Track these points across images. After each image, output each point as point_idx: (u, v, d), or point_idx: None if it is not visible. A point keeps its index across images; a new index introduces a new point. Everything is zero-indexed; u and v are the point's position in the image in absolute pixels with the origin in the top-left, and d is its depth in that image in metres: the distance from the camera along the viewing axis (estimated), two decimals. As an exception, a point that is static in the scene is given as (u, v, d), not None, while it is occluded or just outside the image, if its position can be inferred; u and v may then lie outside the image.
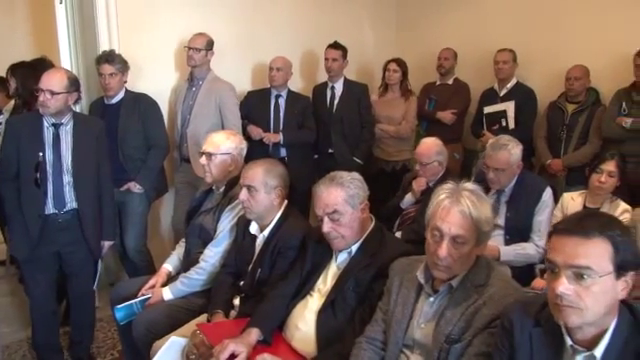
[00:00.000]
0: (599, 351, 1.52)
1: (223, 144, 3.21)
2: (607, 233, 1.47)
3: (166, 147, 4.23)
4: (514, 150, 3.41)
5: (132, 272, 4.21)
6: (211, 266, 3.04)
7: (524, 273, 3.32)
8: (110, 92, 4.00)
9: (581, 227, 1.49)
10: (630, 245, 1.49)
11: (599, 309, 1.49)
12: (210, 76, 4.49)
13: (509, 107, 4.96)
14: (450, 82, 5.44)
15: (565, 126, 4.74)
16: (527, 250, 3.37)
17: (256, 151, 4.45)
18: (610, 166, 3.32)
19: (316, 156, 5.06)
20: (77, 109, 3.66)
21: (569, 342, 1.57)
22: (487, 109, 5.10)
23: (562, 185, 4.52)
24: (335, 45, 4.99)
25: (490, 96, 5.18)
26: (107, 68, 3.94)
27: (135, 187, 4.04)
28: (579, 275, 1.47)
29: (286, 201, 2.86)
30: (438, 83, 5.50)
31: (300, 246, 2.66)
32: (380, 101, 5.29)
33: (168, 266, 3.31)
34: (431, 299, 2.02)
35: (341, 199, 2.34)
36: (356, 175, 2.46)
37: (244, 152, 3.32)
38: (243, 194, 2.76)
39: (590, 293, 1.47)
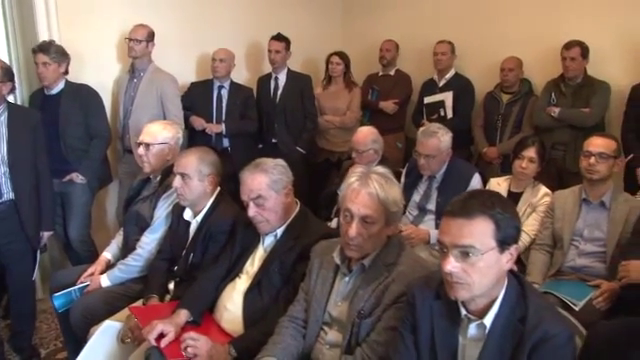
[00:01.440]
0: (488, 319, 1.66)
1: (160, 134, 3.28)
2: (488, 212, 1.59)
3: (108, 137, 4.23)
4: (443, 137, 3.54)
5: (76, 262, 4.22)
6: (148, 252, 3.10)
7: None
8: (44, 82, 3.98)
9: (464, 209, 1.61)
10: (510, 220, 1.62)
11: (486, 282, 1.62)
12: (151, 67, 4.53)
13: (447, 97, 5.12)
14: (392, 73, 5.58)
15: (500, 115, 4.92)
16: (456, 233, 3.51)
17: (199, 142, 4.56)
18: (531, 152, 3.47)
19: (260, 146, 5.15)
20: (13, 99, 3.67)
21: (463, 312, 1.71)
22: (427, 99, 5.25)
23: (497, 172, 4.67)
24: (278, 37, 5.08)
25: (430, 86, 5.33)
26: (41, 57, 3.91)
27: (78, 178, 4.05)
28: (465, 253, 1.59)
29: (219, 188, 2.94)
30: (380, 74, 5.63)
31: (230, 231, 2.75)
32: (324, 93, 5.41)
33: (107, 254, 3.35)
34: (346, 278, 2.14)
35: (265, 184, 2.44)
36: (280, 161, 2.55)
37: (181, 141, 3.39)
38: (177, 181, 2.84)
39: (476, 269, 1.59)
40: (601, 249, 3.08)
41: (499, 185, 3.62)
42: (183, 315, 2.44)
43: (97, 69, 4.56)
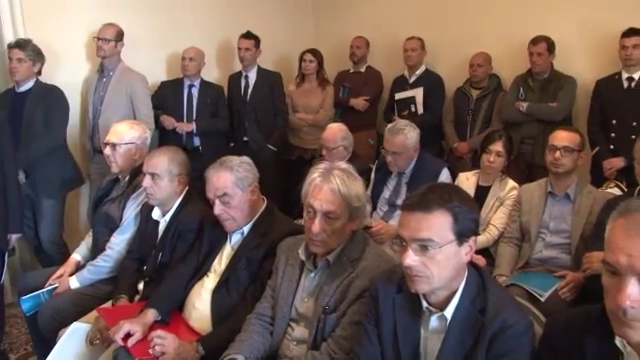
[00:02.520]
0: (449, 311, 1.68)
1: (127, 134, 3.27)
2: (446, 205, 1.61)
3: (54, 140, 4.09)
4: (410, 134, 3.56)
5: (47, 265, 4.15)
6: (117, 253, 3.08)
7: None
8: (15, 76, 3.95)
9: (422, 202, 1.62)
10: (468, 213, 1.64)
11: (445, 275, 1.63)
12: (121, 67, 4.50)
13: (418, 93, 5.16)
14: (363, 70, 5.60)
15: (470, 110, 4.99)
16: (427, 228, 3.55)
17: (170, 141, 4.55)
18: (498, 146, 3.51)
19: (232, 144, 5.14)
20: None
21: (425, 305, 1.72)
22: (398, 95, 5.28)
23: (469, 167, 4.72)
24: (247, 35, 5.08)
25: (400, 83, 5.37)
26: (16, 53, 3.89)
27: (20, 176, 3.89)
28: (423, 247, 1.60)
29: (187, 187, 2.94)
30: (351, 71, 5.65)
31: (198, 229, 2.75)
32: (298, 91, 5.41)
33: (77, 256, 3.33)
34: (312, 274, 2.15)
35: (230, 182, 2.44)
36: (245, 159, 2.56)
37: (148, 141, 3.38)
38: (147, 181, 2.83)
39: (435, 262, 1.60)
40: (566, 241, 3.14)
41: (468, 179, 3.66)
42: (151, 314, 2.44)
43: (66, 69, 4.51)
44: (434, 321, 1.71)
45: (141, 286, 2.90)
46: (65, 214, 4.35)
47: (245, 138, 5.08)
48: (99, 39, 4.37)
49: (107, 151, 3.25)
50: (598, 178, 4.16)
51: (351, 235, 2.11)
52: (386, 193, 3.70)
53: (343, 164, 2.16)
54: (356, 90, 5.48)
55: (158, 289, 2.58)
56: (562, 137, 3.17)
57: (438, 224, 1.60)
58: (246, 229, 2.54)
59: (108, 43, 4.38)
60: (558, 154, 3.13)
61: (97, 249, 3.22)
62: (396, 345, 1.76)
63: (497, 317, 1.60)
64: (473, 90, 5.01)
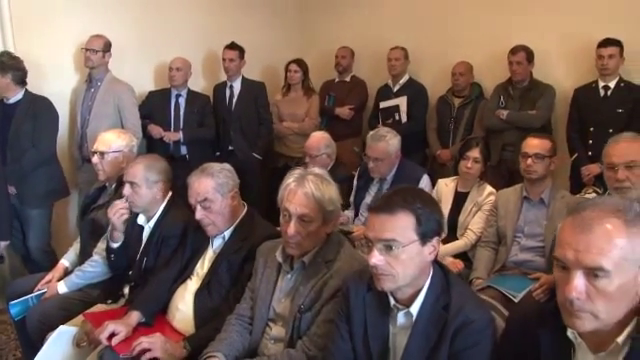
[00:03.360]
0: (415, 308, 1.77)
1: (114, 142, 3.36)
2: (409, 207, 1.71)
3: (45, 152, 4.17)
4: (392, 141, 3.67)
5: (37, 272, 4.24)
6: (104, 258, 3.15)
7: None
8: None
9: (387, 205, 1.73)
10: (431, 215, 1.74)
11: (409, 273, 1.73)
12: (108, 77, 4.59)
13: (402, 102, 5.27)
14: (348, 79, 5.71)
15: (452, 118, 5.11)
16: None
17: (157, 149, 4.66)
18: (475, 153, 3.61)
19: (218, 153, 5.22)
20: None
21: (392, 302, 1.82)
22: (382, 104, 5.39)
23: (451, 173, 4.78)
24: (232, 46, 5.18)
25: (385, 92, 5.49)
26: None
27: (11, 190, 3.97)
28: (388, 247, 1.70)
29: (170, 193, 3.02)
30: (337, 80, 5.77)
31: (182, 234, 2.84)
32: (284, 100, 5.53)
33: (65, 262, 3.40)
34: (288, 276, 2.24)
35: (211, 188, 2.54)
36: (226, 166, 2.66)
37: (135, 149, 3.47)
38: (126, 189, 2.91)
39: (399, 261, 1.70)
40: (541, 244, 3.24)
41: (446, 186, 3.75)
42: (135, 316, 2.52)
43: (54, 79, 4.60)
44: (401, 317, 1.80)
45: (127, 290, 2.98)
46: (54, 222, 4.42)
47: (230, 147, 5.18)
48: (87, 50, 4.46)
49: (95, 159, 3.34)
50: (577, 184, 4.27)
51: (326, 237, 2.20)
52: (368, 199, 3.79)
53: (317, 170, 2.26)
54: (341, 99, 5.59)
55: (142, 292, 2.67)
56: (533, 144, 3.28)
57: (401, 225, 1.69)
58: (227, 233, 2.63)
59: (96, 54, 4.47)
60: (530, 161, 3.24)
61: (85, 255, 3.29)
62: (366, 341, 1.85)
63: (460, 313, 1.70)
64: (455, 98, 5.13)
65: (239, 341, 2.23)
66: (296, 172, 2.23)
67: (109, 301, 2.98)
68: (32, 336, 2.97)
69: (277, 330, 2.22)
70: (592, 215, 1.41)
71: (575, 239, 1.40)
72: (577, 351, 1.50)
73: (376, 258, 1.70)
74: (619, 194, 2.62)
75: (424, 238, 1.71)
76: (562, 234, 1.46)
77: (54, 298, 3.08)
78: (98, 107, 4.50)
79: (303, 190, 2.13)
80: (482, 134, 4.84)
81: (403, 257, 1.69)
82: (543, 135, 3.46)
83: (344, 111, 5.48)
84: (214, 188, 2.54)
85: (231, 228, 2.63)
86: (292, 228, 2.11)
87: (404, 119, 5.24)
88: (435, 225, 1.75)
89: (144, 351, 2.25)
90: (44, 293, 3.14)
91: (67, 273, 3.30)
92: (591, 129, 4.35)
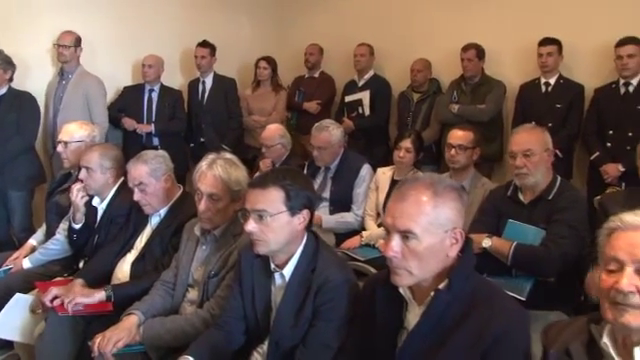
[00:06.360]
0: (287, 271, 2.11)
1: (76, 132, 3.69)
2: (279, 183, 2.03)
3: (29, 140, 4.58)
4: (334, 131, 3.98)
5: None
6: (65, 238, 3.49)
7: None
8: None
9: (262, 181, 2.06)
10: (301, 191, 2.06)
11: (280, 239, 2.05)
12: (79, 70, 4.94)
13: (365, 96, 5.55)
14: (316, 75, 6.03)
15: (411, 113, 5.39)
16: (346, 218, 3.98)
17: (131, 141, 5.05)
18: (407, 143, 3.90)
19: (192, 145, 5.58)
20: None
21: (272, 266, 2.15)
22: (347, 98, 5.69)
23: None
24: (203, 43, 5.52)
25: (351, 86, 5.79)
26: None
27: None
28: (260, 216, 2.02)
29: (122, 178, 3.36)
30: (306, 76, 6.08)
31: (128, 214, 3.19)
32: (253, 95, 5.85)
33: (33, 241, 3.73)
34: (203, 247, 2.59)
35: (145, 172, 2.89)
36: (160, 152, 3.03)
37: (97, 139, 3.79)
38: (82, 174, 3.26)
39: (270, 229, 2.02)
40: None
41: (384, 174, 4.03)
42: (77, 283, 2.86)
43: (32, 75, 4.94)
44: (278, 279, 2.14)
45: (82, 264, 3.32)
46: (35, 205, 4.78)
47: (202, 139, 5.51)
48: (59, 46, 4.82)
49: (59, 148, 3.68)
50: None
51: (234, 214, 2.52)
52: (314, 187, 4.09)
53: (228, 155, 2.60)
54: (310, 94, 5.90)
55: (87, 264, 3.04)
56: (457, 136, 3.58)
57: (271, 198, 2.02)
58: (163, 212, 2.99)
59: (68, 49, 4.82)
60: (454, 151, 3.54)
61: (49, 234, 3.63)
62: (254, 300, 2.19)
63: (322, 274, 2.03)
64: (414, 94, 5.42)
65: (160, 302, 2.56)
66: (209, 156, 2.55)
67: (66, 274, 3.31)
68: (-2, 307, 3.31)
69: (193, 294, 2.56)
70: (409, 187, 1.72)
71: (393, 207, 1.71)
72: (409, 305, 1.80)
73: (251, 225, 2.02)
74: (519, 180, 2.90)
75: (292, 210, 2.03)
76: (387, 204, 1.77)
77: (19, 273, 3.41)
78: (68, 99, 4.85)
79: (212, 172, 2.47)
80: (438, 127, 5.14)
81: (274, 225, 2.01)
82: (467, 127, 3.74)
83: (312, 105, 5.79)
84: (148, 173, 2.89)
85: (166, 207, 2.99)
86: (203, 205, 2.46)
87: (367, 112, 5.53)
88: (305, 200, 2.07)
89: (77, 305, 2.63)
90: (11, 269, 3.48)
91: (34, 251, 3.64)
92: (533, 123, 4.60)
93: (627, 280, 1.44)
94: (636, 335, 1.46)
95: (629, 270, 1.45)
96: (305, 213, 2.08)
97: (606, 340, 1.52)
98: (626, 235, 1.49)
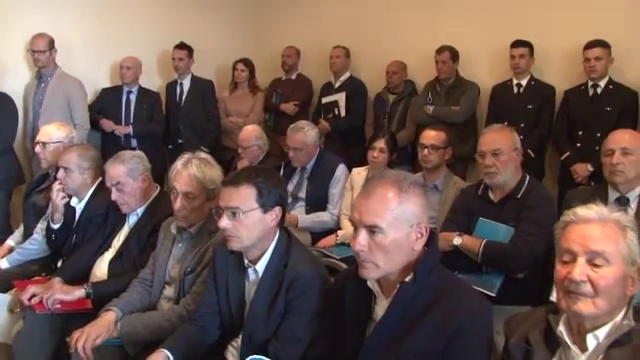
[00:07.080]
0: (260, 266, 2.17)
1: (55, 134, 3.72)
2: (252, 181, 2.09)
3: (6, 142, 4.60)
4: (309, 132, 4.05)
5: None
6: (43, 237, 3.53)
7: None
8: None
9: (234, 179, 2.12)
10: (273, 188, 2.12)
11: (253, 236, 2.11)
12: (58, 72, 4.95)
13: (340, 98, 5.64)
14: (293, 77, 6.09)
15: (387, 114, 5.48)
16: (322, 218, 4.05)
17: (110, 142, 5.10)
18: (380, 143, 3.97)
19: (170, 146, 5.61)
20: None
21: (246, 262, 2.21)
22: (323, 100, 5.78)
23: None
24: (181, 45, 5.57)
25: (327, 88, 5.86)
26: None
27: None
28: (233, 213, 2.08)
29: (100, 178, 3.40)
30: (284, 78, 6.14)
31: (105, 214, 3.22)
32: (231, 97, 5.91)
33: (10, 241, 3.75)
34: (180, 245, 2.64)
35: (122, 172, 2.94)
36: (138, 153, 3.08)
37: (75, 140, 3.82)
38: (60, 174, 3.30)
39: (243, 225, 2.07)
40: (433, 226, 3.55)
41: (359, 174, 4.10)
42: (56, 281, 2.89)
43: (8, 77, 4.97)
44: (251, 274, 2.20)
45: (60, 264, 3.35)
46: (13, 205, 4.79)
47: (180, 141, 5.55)
48: (34, 52, 4.81)
49: (38, 149, 3.70)
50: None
51: (209, 212, 2.57)
52: (290, 187, 4.14)
53: (203, 154, 2.65)
54: (287, 96, 5.96)
55: (65, 263, 3.08)
56: (430, 136, 3.67)
57: (244, 195, 2.08)
58: (140, 211, 3.04)
59: (43, 54, 4.82)
60: (426, 151, 3.63)
61: (27, 234, 3.65)
62: (228, 295, 2.25)
63: (293, 269, 2.10)
64: (390, 95, 5.51)
65: (137, 299, 2.61)
66: (185, 156, 2.61)
67: (44, 274, 3.34)
68: (-25, 306, 3.34)
69: (170, 291, 2.61)
70: (375, 184, 1.79)
71: (360, 203, 1.78)
72: (377, 297, 1.87)
73: (224, 222, 2.08)
74: (488, 178, 2.99)
75: (264, 207, 2.09)
76: (355, 200, 1.84)
77: (-4, 273, 3.45)
78: (49, 101, 4.87)
79: (187, 171, 2.53)
80: (413, 129, 5.22)
81: (247, 222, 2.07)
82: (439, 127, 3.84)
83: (289, 107, 5.85)
84: (125, 173, 2.93)
85: (143, 207, 3.04)
86: (178, 203, 2.51)
87: (343, 114, 5.61)
88: (277, 197, 2.13)
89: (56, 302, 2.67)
90: None
91: (12, 251, 3.66)
92: (505, 123, 4.72)
93: (579, 270, 1.53)
94: (589, 322, 1.55)
95: (581, 260, 1.54)
96: (277, 210, 2.14)
97: (562, 328, 1.61)
98: (578, 228, 1.59)
